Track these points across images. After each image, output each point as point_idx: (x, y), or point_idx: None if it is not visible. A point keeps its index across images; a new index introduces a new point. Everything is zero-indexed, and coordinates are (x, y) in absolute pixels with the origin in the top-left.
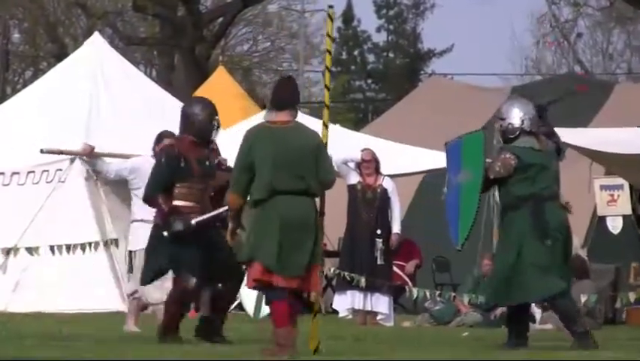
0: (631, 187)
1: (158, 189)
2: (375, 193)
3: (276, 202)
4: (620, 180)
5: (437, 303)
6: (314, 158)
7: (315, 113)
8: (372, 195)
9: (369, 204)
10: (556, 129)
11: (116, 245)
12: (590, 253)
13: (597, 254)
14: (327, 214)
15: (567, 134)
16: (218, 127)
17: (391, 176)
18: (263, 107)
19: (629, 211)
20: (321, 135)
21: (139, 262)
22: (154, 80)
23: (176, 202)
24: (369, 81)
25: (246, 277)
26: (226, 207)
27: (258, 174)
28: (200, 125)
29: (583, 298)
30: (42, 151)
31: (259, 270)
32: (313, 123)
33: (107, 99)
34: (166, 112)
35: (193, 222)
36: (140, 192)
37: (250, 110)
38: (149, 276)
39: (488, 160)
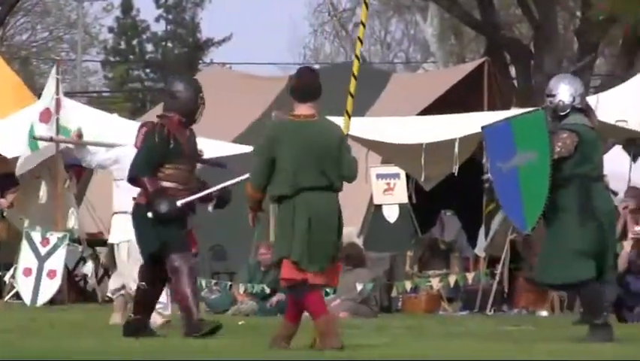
0: (407, 176)
1: (147, 170)
2: None
3: (303, 200)
4: (396, 169)
5: (214, 292)
6: (337, 153)
7: (94, 102)
8: None
9: None
10: (333, 118)
11: None
12: (367, 242)
13: (373, 243)
14: (105, 204)
15: (342, 124)
16: (204, 106)
17: None
18: (39, 96)
19: (405, 200)
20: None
21: (124, 255)
22: None
23: (163, 184)
24: (148, 70)
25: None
26: (212, 189)
27: (280, 169)
28: (187, 104)
29: (359, 287)
30: (34, 138)
31: (293, 268)
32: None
33: None
34: None
35: (178, 203)
36: (123, 183)
37: (27, 101)
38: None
39: None
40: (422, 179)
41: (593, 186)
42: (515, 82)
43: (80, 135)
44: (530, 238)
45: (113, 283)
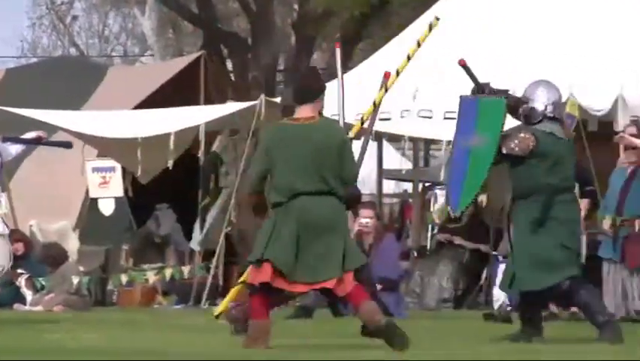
0: (123, 169)
1: None
2: None
3: (295, 204)
4: (112, 163)
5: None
6: (337, 156)
7: None
8: None
9: None
10: (49, 112)
11: None
12: (82, 235)
13: (89, 236)
14: None
15: (59, 117)
16: None
17: None
18: None
19: (121, 193)
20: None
21: None
22: None
23: None
24: None
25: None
26: None
27: (276, 175)
28: None
29: (75, 280)
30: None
31: (269, 272)
32: None
33: None
34: None
35: None
36: None
37: None
38: None
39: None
40: (138, 173)
41: (557, 198)
42: (232, 75)
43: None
44: (245, 233)
45: None
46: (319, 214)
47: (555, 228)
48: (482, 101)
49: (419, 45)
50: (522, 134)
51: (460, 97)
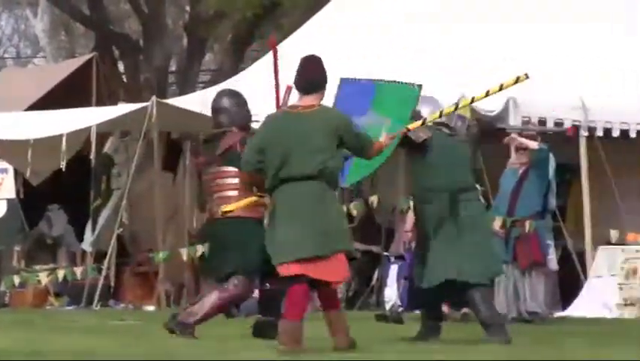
0: (16, 171)
1: None
2: None
3: (283, 192)
4: (4, 164)
5: None
6: (329, 141)
7: None
8: None
9: None
10: None
11: None
12: None
13: None
14: None
15: None
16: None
17: None
18: None
19: (13, 195)
20: None
21: None
22: None
23: None
24: None
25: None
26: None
27: (268, 163)
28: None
29: None
30: None
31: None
32: None
33: None
34: None
35: None
36: None
37: None
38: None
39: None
40: (28, 174)
41: (460, 196)
42: (124, 77)
43: None
44: (137, 234)
45: None
46: (300, 200)
47: (469, 225)
48: (382, 86)
49: (501, 89)
50: (424, 128)
51: (343, 79)
